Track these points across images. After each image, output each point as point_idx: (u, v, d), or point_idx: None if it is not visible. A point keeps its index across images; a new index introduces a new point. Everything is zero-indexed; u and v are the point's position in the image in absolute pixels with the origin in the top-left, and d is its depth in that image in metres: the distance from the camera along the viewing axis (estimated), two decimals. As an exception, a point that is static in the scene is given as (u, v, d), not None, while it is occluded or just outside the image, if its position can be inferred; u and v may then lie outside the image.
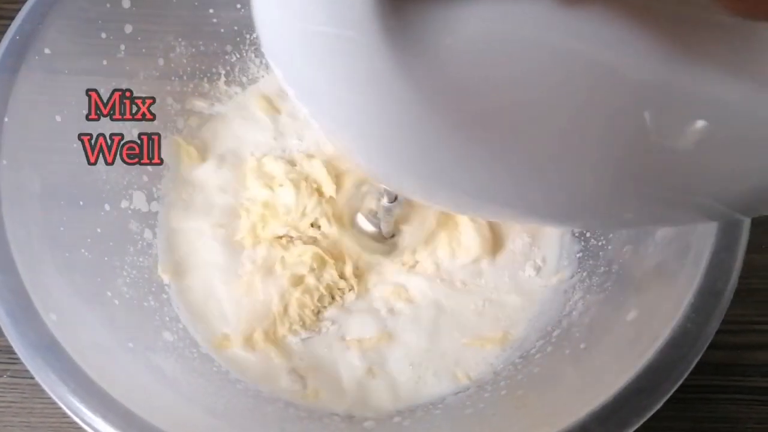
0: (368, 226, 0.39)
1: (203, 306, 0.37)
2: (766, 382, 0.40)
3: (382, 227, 0.38)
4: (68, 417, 0.26)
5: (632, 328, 0.29)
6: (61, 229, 0.31)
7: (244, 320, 0.37)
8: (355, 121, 0.19)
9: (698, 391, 0.40)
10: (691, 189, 0.19)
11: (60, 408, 0.26)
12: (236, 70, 0.43)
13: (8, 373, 0.38)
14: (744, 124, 0.17)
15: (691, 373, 0.40)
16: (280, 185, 0.40)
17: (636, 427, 0.25)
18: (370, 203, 0.39)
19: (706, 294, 0.27)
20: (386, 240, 0.39)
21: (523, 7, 0.16)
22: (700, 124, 0.16)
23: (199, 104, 0.42)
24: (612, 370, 0.27)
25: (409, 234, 0.39)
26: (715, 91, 0.16)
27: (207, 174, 0.41)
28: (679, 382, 0.25)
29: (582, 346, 0.32)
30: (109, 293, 0.32)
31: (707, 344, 0.26)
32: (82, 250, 0.32)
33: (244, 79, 0.43)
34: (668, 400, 0.39)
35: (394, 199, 0.35)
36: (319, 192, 0.40)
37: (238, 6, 0.40)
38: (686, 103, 0.16)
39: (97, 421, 0.25)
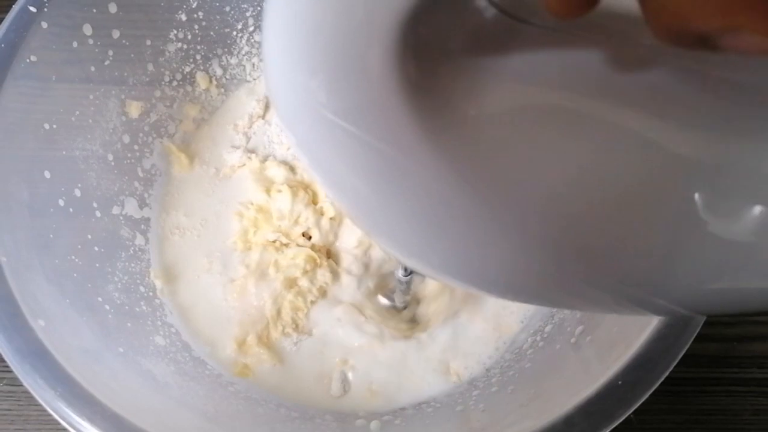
0: (384, 302, 0.38)
1: (196, 310, 0.38)
2: (761, 373, 0.40)
3: (396, 299, 0.38)
4: (63, 425, 0.26)
5: (620, 321, 0.29)
6: (51, 236, 0.32)
7: (237, 324, 0.37)
8: (370, 203, 0.18)
9: (693, 383, 0.40)
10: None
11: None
12: (227, 73, 0.43)
13: (4, 381, 0.39)
14: None
15: (686, 366, 0.40)
16: (279, 191, 0.40)
17: (621, 419, 0.25)
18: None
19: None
20: (402, 312, 0.38)
21: (570, 69, 0.15)
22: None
23: (191, 109, 0.42)
24: (599, 363, 0.27)
25: (425, 306, 0.38)
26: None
27: (199, 179, 0.41)
28: (665, 374, 0.25)
29: (572, 340, 0.32)
30: (99, 299, 0.32)
31: (693, 336, 0.26)
32: (72, 257, 0.32)
33: (236, 83, 0.43)
34: (663, 393, 0.39)
35: (410, 272, 0.34)
36: (314, 201, 0.40)
37: (227, 9, 0.40)
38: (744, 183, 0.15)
39: (84, 425, 0.25)
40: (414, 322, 0.38)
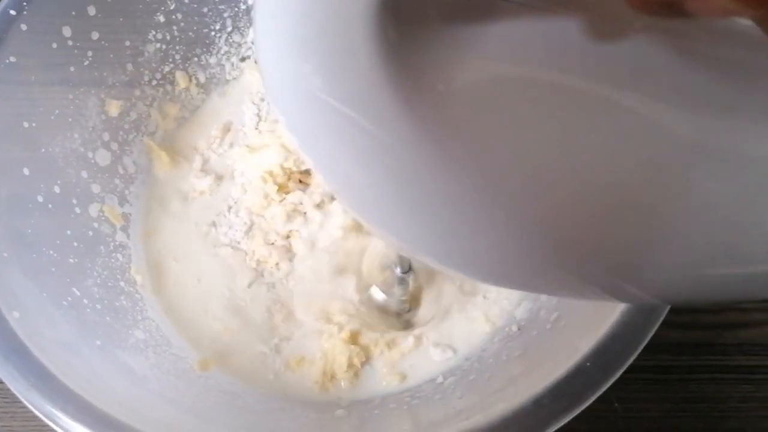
0: (380, 296, 0.37)
1: (177, 305, 0.38)
2: (747, 360, 0.39)
3: (394, 301, 0.37)
4: (46, 421, 0.26)
5: (593, 307, 0.29)
6: (29, 231, 0.32)
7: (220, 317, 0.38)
8: (355, 177, 0.18)
9: (679, 371, 0.39)
10: None
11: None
12: (207, 73, 0.43)
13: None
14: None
15: (672, 354, 0.40)
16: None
17: (590, 401, 0.25)
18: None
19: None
20: (399, 316, 0.38)
21: (547, 38, 0.15)
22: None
23: (171, 108, 0.42)
24: (570, 347, 0.27)
25: (424, 309, 0.38)
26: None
27: (181, 177, 0.42)
28: (633, 356, 0.25)
29: (548, 327, 0.32)
30: (78, 293, 0.33)
31: (660, 320, 0.26)
32: (51, 252, 0.33)
33: (216, 82, 0.44)
34: (648, 381, 0.39)
35: (408, 269, 0.34)
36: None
37: (205, 10, 0.41)
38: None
39: (58, 415, 0.25)
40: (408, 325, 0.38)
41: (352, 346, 0.36)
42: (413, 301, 0.37)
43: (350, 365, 0.35)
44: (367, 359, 0.36)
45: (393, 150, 0.16)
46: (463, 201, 0.16)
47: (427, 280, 0.37)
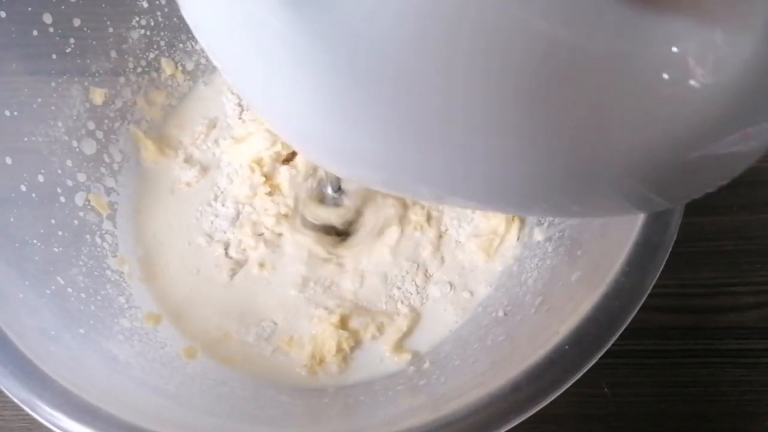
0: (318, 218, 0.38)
1: (164, 293, 0.38)
2: (737, 344, 0.39)
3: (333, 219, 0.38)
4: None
5: (574, 287, 0.28)
6: (11, 219, 0.32)
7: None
8: (259, 78, 0.18)
9: (669, 355, 0.39)
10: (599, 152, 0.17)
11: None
12: (193, 59, 0.43)
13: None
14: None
15: (662, 338, 0.40)
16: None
17: (568, 384, 0.24)
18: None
19: (642, 247, 0.26)
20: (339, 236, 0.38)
21: None
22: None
23: (157, 96, 0.42)
24: (550, 330, 0.26)
25: (363, 225, 0.38)
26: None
27: (168, 166, 0.42)
28: (613, 339, 0.25)
29: (532, 311, 0.31)
30: (62, 282, 0.33)
31: (641, 302, 0.25)
32: (34, 241, 0.33)
33: (202, 69, 0.43)
34: (638, 366, 0.39)
35: (338, 188, 0.34)
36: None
37: (190, -5, 0.41)
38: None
39: (36, 402, 0.25)
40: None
41: (341, 331, 0.36)
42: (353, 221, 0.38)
43: (339, 349, 0.35)
44: (356, 344, 0.36)
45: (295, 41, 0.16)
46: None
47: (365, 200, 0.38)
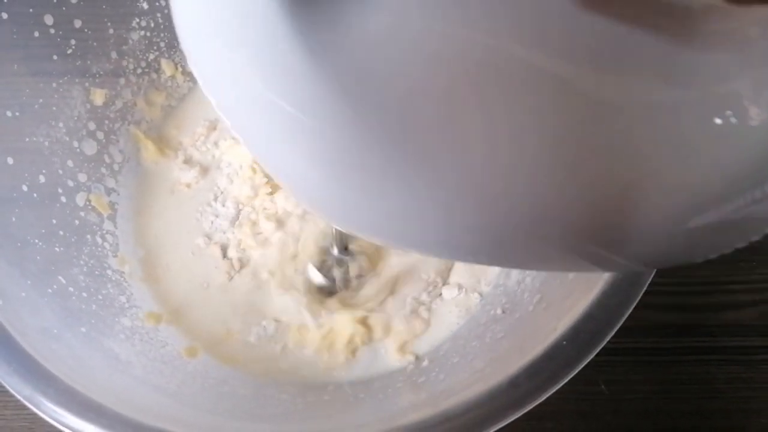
0: (318, 278, 0.37)
1: (165, 293, 0.38)
2: (734, 341, 0.39)
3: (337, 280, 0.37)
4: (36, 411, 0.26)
5: (571, 285, 0.29)
6: (13, 219, 0.32)
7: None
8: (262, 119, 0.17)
9: (665, 353, 0.40)
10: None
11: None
12: (192, 61, 0.43)
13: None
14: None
15: (658, 336, 0.40)
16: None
17: (566, 380, 0.25)
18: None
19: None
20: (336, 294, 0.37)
21: None
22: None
23: (157, 96, 0.42)
24: (548, 327, 0.27)
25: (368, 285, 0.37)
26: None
27: (168, 167, 0.42)
28: (609, 336, 0.25)
29: (530, 309, 0.32)
30: (63, 281, 0.33)
31: (638, 298, 0.26)
32: (36, 241, 0.33)
33: (202, 70, 0.44)
34: (635, 363, 0.39)
35: (344, 248, 0.34)
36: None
37: (190, -4, 0.41)
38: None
39: (40, 399, 0.26)
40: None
41: (359, 326, 0.36)
42: (358, 283, 0.38)
43: (350, 341, 0.36)
44: (366, 341, 0.36)
45: (317, 129, 0.16)
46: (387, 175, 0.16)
47: (373, 259, 0.37)
